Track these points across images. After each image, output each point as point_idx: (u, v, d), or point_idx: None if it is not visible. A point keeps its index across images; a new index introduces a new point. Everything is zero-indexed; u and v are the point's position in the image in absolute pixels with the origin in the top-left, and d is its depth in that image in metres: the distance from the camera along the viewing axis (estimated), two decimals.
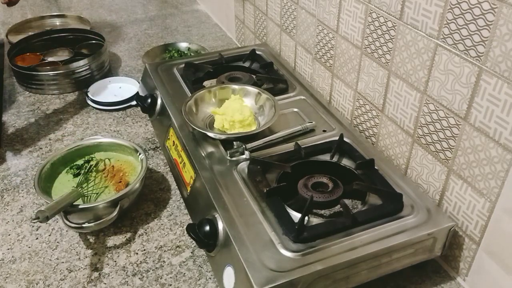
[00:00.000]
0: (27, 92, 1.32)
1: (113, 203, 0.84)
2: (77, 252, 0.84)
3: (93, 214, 0.84)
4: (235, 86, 1.04)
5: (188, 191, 0.89)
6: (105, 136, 1.12)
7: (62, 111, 1.24)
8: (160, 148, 1.09)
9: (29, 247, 0.85)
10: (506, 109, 0.64)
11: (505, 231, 0.69)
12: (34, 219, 0.76)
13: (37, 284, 0.78)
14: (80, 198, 0.85)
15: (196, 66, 1.19)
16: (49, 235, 0.87)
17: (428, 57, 0.76)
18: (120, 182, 0.91)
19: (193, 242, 0.81)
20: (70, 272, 0.80)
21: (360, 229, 0.73)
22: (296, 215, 0.74)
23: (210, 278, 0.79)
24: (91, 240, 0.86)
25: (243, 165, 0.86)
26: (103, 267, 0.81)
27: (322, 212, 0.79)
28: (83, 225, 0.82)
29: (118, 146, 0.98)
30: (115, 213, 0.83)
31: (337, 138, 0.90)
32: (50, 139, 1.13)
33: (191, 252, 0.84)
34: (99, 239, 0.87)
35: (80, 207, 0.83)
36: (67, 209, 0.82)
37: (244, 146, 0.88)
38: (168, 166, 1.04)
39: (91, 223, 0.82)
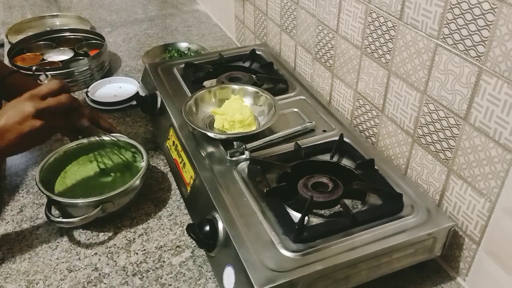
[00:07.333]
0: None
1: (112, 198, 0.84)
2: (77, 252, 0.84)
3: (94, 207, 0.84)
4: (235, 86, 1.04)
5: (188, 191, 0.89)
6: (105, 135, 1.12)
7: None
8: (160, 148, 1.09)
9: (29, 247, 0.85)
10: (506, 109, 0.64)
11: (505, 231, 0.69)
12: None
13: (37, 284, 0.78)
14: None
15: (196, 66, 1.19)
16: (49, 235, 0.87)
17: (428, 57, 0.76)
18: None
19: (193, 242, 0.81)
20: (70, 272, 0.80)
21: (360, 229, 0.73)
22: (296, 215, 0.74)
23: (210, 278, 0.79)
24: (91, 240, 0.86)
25: (243, 165, 0.86)
26: (103, 267, 0.81)
27: (322, 212, 0.79)
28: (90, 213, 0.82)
29: (118, 144, 0.98)
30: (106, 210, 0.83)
31: (337, 138, 0.90)
32: (50, 139, 1.12)
33: (191, 252, 0.84)
34: (99, 239, 0.87)
35: (79, 201, 0.83)
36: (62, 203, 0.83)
37: (244, 146, 0.88)
38: (168, 166, 1.04)
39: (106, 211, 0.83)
